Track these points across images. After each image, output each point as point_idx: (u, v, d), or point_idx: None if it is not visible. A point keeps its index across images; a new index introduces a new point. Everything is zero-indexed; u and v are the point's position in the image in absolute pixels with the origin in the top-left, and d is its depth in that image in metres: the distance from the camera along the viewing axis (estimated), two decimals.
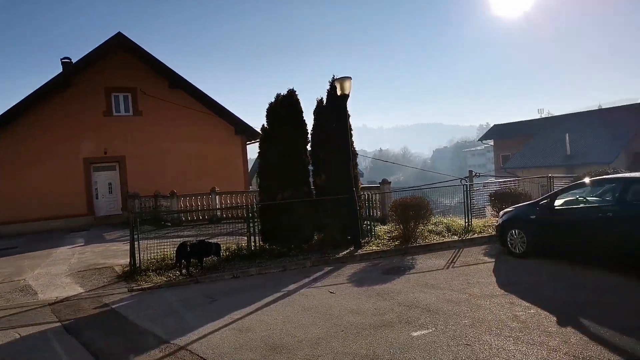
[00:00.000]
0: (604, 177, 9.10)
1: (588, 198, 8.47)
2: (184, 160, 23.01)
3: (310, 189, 11.42)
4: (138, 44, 22.02)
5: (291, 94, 11.28)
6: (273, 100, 11.18)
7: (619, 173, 10.71)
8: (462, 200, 12.82)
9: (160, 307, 7.59)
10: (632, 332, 4.94)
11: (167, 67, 22.67)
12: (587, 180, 9.02)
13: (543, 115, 50.73)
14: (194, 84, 23.30)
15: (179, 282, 9.19)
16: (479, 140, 48.81)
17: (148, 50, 22.29)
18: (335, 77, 11.40)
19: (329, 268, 9.57)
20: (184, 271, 9.65)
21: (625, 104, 40.63)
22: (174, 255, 9.89)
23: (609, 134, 30.32)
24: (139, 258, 9.85)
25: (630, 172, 15.79)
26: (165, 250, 10.57)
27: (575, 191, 8.80)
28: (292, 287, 8.28)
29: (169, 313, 7.27)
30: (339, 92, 11.16)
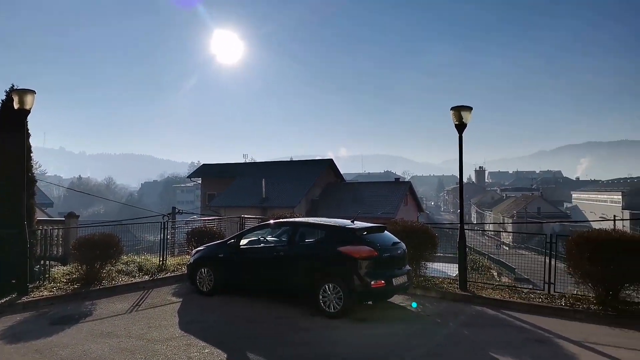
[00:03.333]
0: (281, 220, 10.44)
1: (268, 238, 9.50)
2: None
3: None
4: None
5: None
6: None
7: (296, 217, 12.56)
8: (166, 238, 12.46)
9: None
10: None
11: None
12: (270, 222, 10.15)
13: (247, 160, 56.19)
14: None
15: None
16: (188, 177, 49.73)
17: None
18: (15, 87, 9.54)
19: None
20: None
21: (309, 158, 49.24)
22: None
23: (296, 182, 35.84)
24: None
25: (306, 216, 18.82)
26: None
27: (259, 232, 9.74)
28: None
29: None
30: (16, 106, 9.31)
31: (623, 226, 40.68)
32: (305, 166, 40.04)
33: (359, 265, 7.70)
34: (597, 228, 9.51)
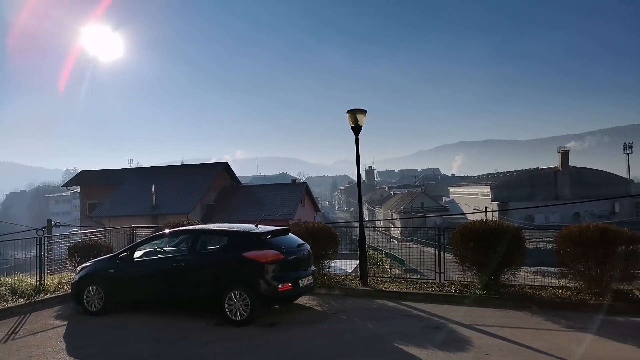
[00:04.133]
0: (180, 228, 9.90)
1: (166, 248, 8.93)
2: None
3: None
4: None
5: None
6: None
7: (193, 224, 12.00)
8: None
9: None
10: None
11: None
12: (166, 231, 9.55)
13: (133, 165, 52.42)
14: None
15: None
16: (63, 185, 45.12)
17: None
18: None
19: None
20: None
21: (203, 161, 47.58)
22: None
23: (189, 187, 34.36)
24: None
25: (203, 222, 18.12)
26: None
27: (155, 242, 9.09)
28: None
29: None
30: None
31: (492, 216, 45.76)
32: (199, 170, 38.63)
33: (266, 270, 7.59)
34: (473, 219, 10.51)
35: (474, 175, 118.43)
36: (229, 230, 8.47)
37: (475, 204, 72.41)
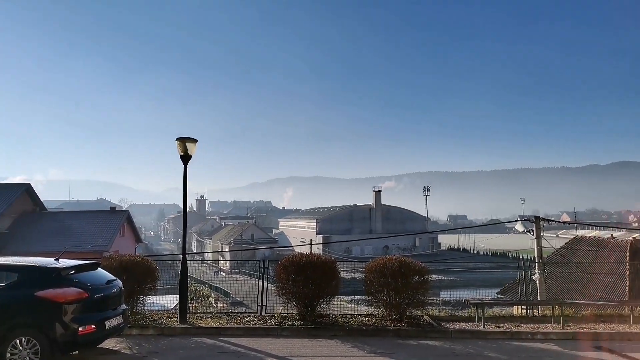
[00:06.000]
0: None
1: None
2: None
3: None
4: None
5: None
6: None
7: None
8: None
9: None
10: None
11: None
12: None
13: None
14: None
15: None
16: None
17: None
18: None
19: None
20: None
21: None
22: None
23: None
24: None
25: None
26: None
27: None
28: None
29: None
30: None
31: (317, 249, 48.60)
32: None
33: (64, 311, 6.60)
34: (299, 252, 11.05)
35: (303, 208, 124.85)
36: (19, 265, 7.18)
37: (302, 236, 76.01)
